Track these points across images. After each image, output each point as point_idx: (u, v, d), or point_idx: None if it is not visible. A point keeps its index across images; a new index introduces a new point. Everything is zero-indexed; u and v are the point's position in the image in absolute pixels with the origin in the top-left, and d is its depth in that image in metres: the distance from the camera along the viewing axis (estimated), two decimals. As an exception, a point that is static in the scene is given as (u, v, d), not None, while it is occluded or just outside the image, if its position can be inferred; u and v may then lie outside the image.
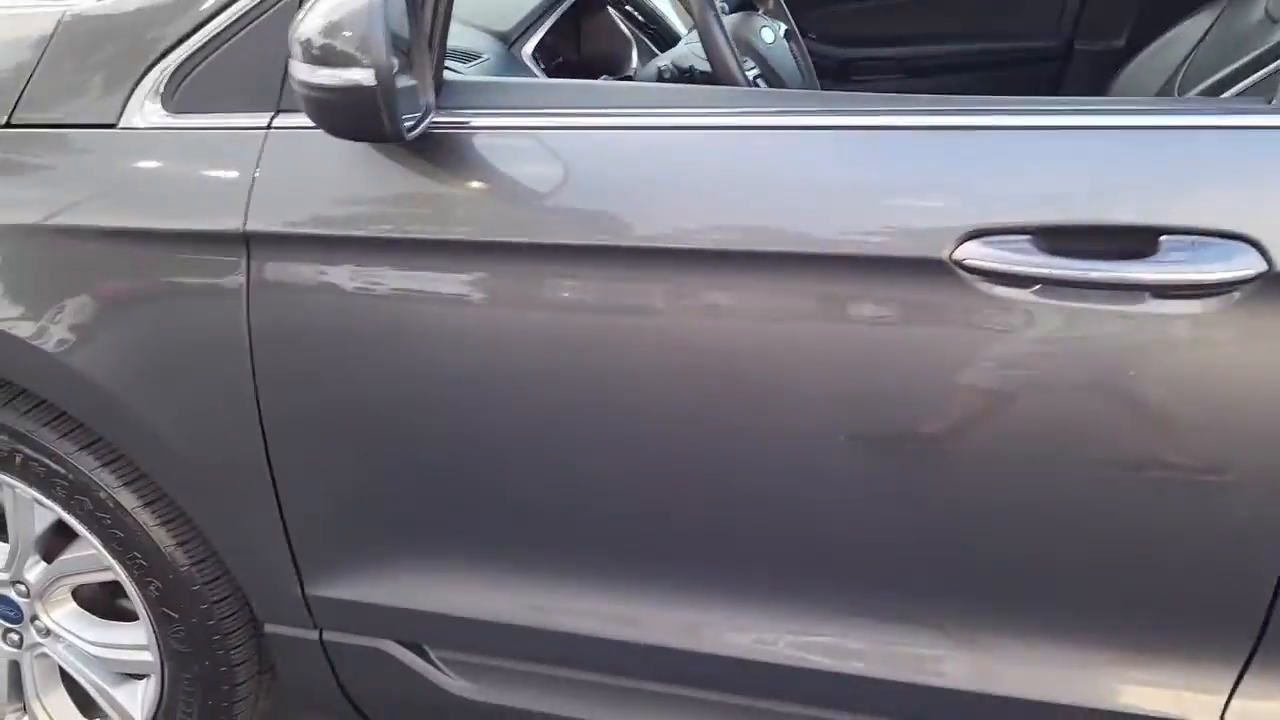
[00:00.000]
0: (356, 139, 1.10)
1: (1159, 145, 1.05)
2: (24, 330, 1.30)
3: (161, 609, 1.48)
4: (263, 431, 1.29)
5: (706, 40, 1.37)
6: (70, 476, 1.41)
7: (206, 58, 1.24)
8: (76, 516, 1.45)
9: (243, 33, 1.22)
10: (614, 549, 1.29)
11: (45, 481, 1.43)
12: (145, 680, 1.60)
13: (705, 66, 1.43)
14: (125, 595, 1.61)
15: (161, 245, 1.25)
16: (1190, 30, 1.94)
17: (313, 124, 1.16)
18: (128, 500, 1.42)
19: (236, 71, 1.23)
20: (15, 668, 1.66)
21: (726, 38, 1.36)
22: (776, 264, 1.07)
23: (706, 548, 1.24)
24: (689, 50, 1.50)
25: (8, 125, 1.30)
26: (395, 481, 1.31)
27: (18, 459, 1.42)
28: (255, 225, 1.21)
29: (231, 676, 1.54)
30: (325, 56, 1.00)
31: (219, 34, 1.23)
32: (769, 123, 1.10)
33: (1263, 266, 0.97)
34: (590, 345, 1.15)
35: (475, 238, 1.14)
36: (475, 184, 1.14)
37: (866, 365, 1.07)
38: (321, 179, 1.20)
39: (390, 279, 1.20)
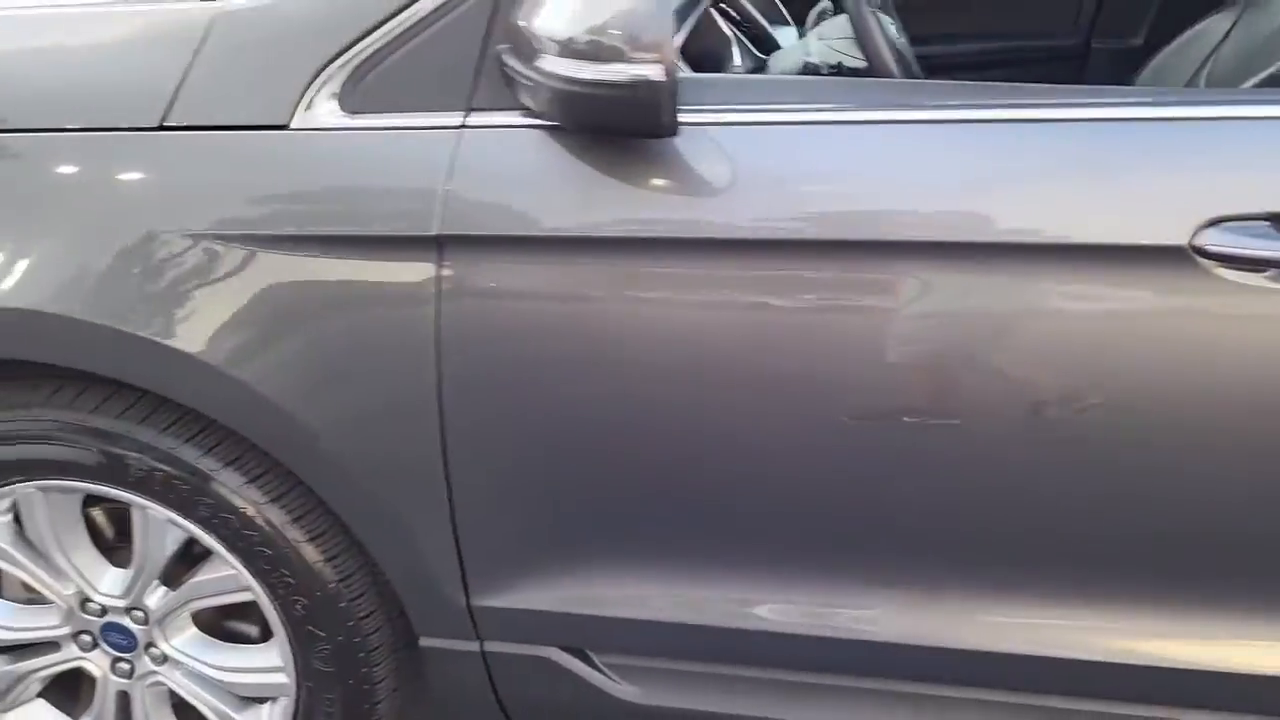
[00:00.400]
0: (618, 134, 1.08)
1: None
2: (183, 342, 1.24)
3: (307, 628, 1.43)
4: (443, 439, 1.26)
5: (864, 36, 1.38)
6: (214, 494, 1.36)
7: (389, 55, 1.20)
8: (218, 536, 1.39)
9: (431, 29, 1.18)
10: (793, 545, 1.29)
11: (186, 501, 1.37)
12: (271, 704, 1.54)
13: (853, 62, 1.45)
14: (238, 618, 1.56)
15: (342, 251, 1.21)
16: (1212, 28, 2.02)
17: (515, 122, 1.15)
18: (276, 517, 1.37)
19: (423, 69, 1.19)
20: (123, 698, 1.58)
21: (884, 32, 1.38)
22: (1015, 254, 1.09)
23: (894, 543, 1.25)
24: (825, 46, 1.51)
25: (161, 128, 1.24)
26: (574, 486, 1.29)
27: (157, 478, 1.36)
28: (449, 228, 1.17)
29: (372, 695, 1.49)
30: (596, 52, 0.99)
31: (404, 31, 1.19)
32: (998, 116, 1.13)
33: None
34: (809, 343, 1.15)
35: (702, 234, 1.13)
36: (709, 179, 1.13)
37: (1107, 353, 1.10)
38: (523, 179, 1.18)
39: (596, 279, 1.18)
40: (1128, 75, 2.23)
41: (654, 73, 0.97)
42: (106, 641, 1.53)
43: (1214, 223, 1.05)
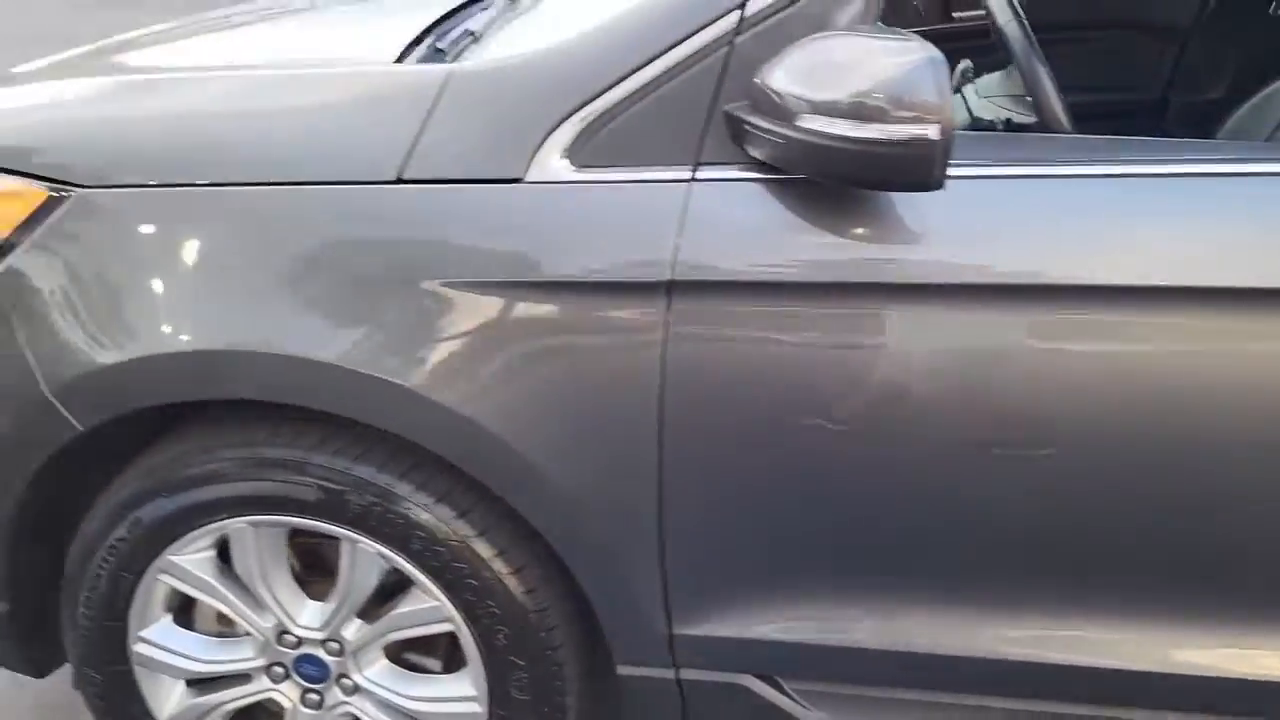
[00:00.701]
0: (882, 188, 1.16)
1: None
2: (417, 382, 1.31)
3: (508, 657, 1.48)
4: (660, 474, 1.33)
5: (1036, 91, 1.47)
6: (426, 529, 1.42)
7: (620, 114, 1.28)
8: (426, 569, 1.45)
9: (661, 90, 1.27)
10: (995, 575, 1.36)
11: (398, 536, 1.43)
12: (456, 733, 1.59)
13: (1021, 117, 1.54)
14: (418, 650, 1.61)
15: (572, 295, 1.29)
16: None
17: (742, 175, 1.23)
18: (483, 550, 1.43)
19: (652, 127, 1.28)
20: (313, 731, 1.63)
21: (1055, 86, 1.47)
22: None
23: (1106, 572, 1.32)
24: (989, 103, 1.60)
25: (399, 181, 1.32)
26: (781, 520, 1.36)
27: (373, 513, 1.42)
28: (681, 274, 1.25)
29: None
30: (865, 112, 1.07)
31: (634, 92, 1.28)
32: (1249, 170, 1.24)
33: None
34: (1036, 384, 1.24)
35: (935, 280, 1.21)
36: (948, 229, 1.22)
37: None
38: (752, 228, 1.26)
39: (820, 322, 1.26)
40: (1207, 129, 2.33)
41: (931, 132, 1.05)
42: (299, 673, 1.59)
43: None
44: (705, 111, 1.26)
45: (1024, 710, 1.43)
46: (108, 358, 1.38)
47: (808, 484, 1.33)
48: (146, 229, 1.39)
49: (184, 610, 1.61)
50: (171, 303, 1.37)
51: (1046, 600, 1.35)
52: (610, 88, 1.28)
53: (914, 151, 1.07)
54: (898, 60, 1.08)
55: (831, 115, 1.10)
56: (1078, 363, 1.24)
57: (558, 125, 1.29)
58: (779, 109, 1.15)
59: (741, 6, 1.25)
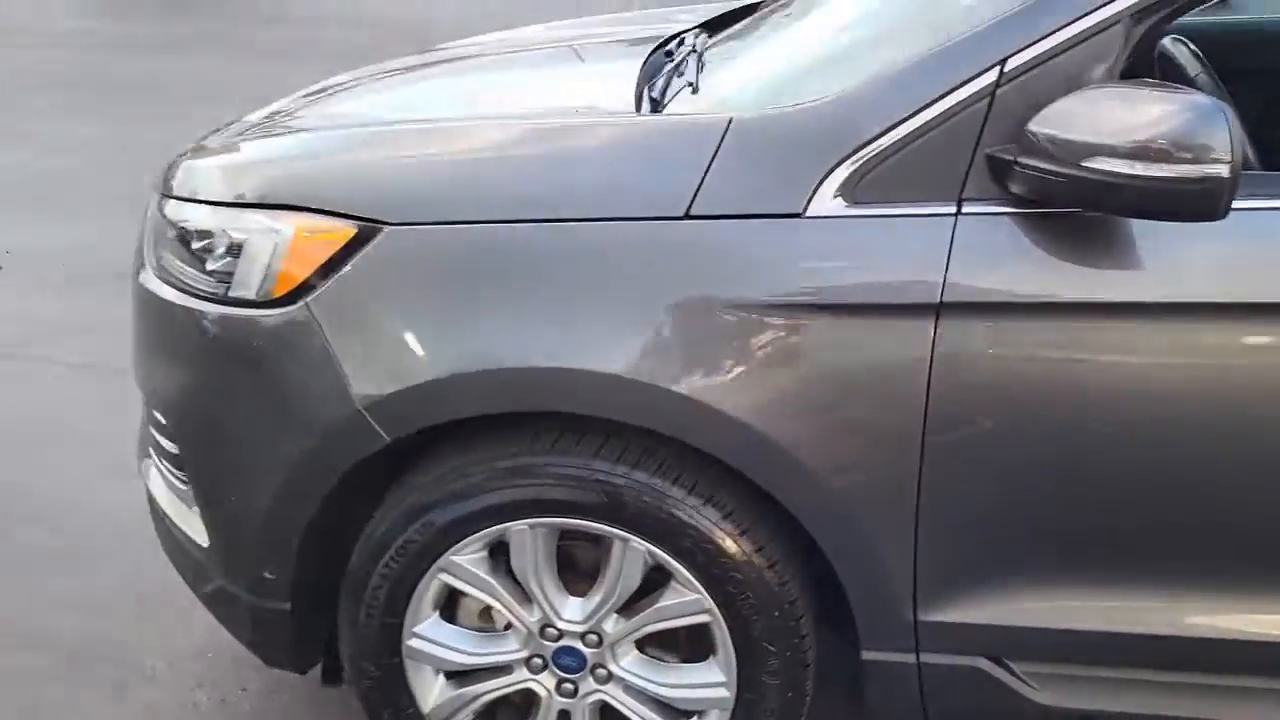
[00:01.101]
0: (1168, 219, 1.33)
1: None
2: (708, 395, 1.48)
3: (762, 644, 1.64)
4: (920, 473, 1.50)
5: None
6: (695, 529, 1.58)
7: (890, 157, 1.46)
8: (691, 566, 1.61)
9: (927, 136, 1.45)
10: (1220, 561, 1.53)
11: (669, 535, 1.59)
12: (698, 717, 1.74)
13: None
14: (657, 642, 1.77)
15: (848, 317, 1.46)
16: None
17: (1002, 210, 1.41)
18: (746, 547, 1.59)
19: (919, 168, 1.45)
20: (563, 716, 1.78)
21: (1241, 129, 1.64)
22: None
23: None
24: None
25: (687, 217, 1.50)
26: (1026, 514, 1.53)
27: (649, 514, 1.58)
28: (949, 297, 1.43)
29: (800, 705, 1.70)
30: (1154, 154, 1.25)
31: (903, 138, 1.45)
32: None
33: None
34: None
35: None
36: (1193, 255, 1.40)
37: None
38: (1015, 255, 1.43)
39: (1078, 339, 1.43)
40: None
41: (1224, 171, 1.23)
42: (557, 664, 1.74)
43: None
44: (969, 154, 1.44)
45: (1248, 687, 1.59)
46: (422, 375, 1.54)
47: (1054, 484, 1.49)
48: (456, 260, 1.56)
49: (448, 607, 1.76)
50: (482, 326, 1.54)
51: (1275, 584, 1.51)
52: (881, 135, 1.46)
53: (1206, 188, 1.25)
54: (1182, 109, 1.26)
55: (1114, 157, 1.28)
56: None
57: (835, 168, 1.47)
58: (1060, 151, 1.32)
59: (1002, 64, 1.43)
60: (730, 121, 1.53)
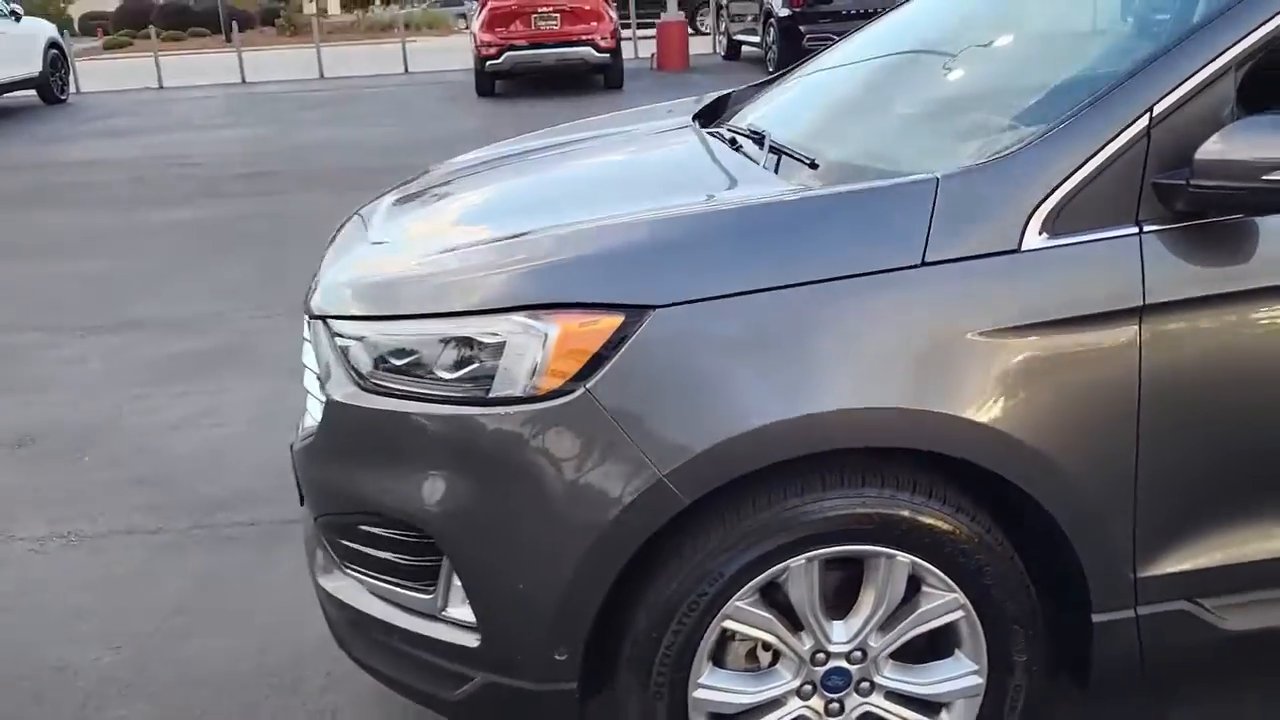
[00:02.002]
0: None
1: None
2: (970, 413, 1.73)
3: (1012, 626, 1.88)
4: (1136, 455, 1.80)
5: None
6: (953, 536, 1.81)
7: (1076, 195, 1.77)
8: (948, 570, 1.83)
9: (1103, 174, 1.77)
10: None
11: (929, 545, 1.81)
12: (947, 709, 1.95)
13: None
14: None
15: (1072, 329, 1.75)
16: None
17: (1176, 225, 1.75)
18: (992, 542, 1.84)
19: (1100, 201, 1.77)
20: (831, 735, 1.94)
21: None
22: None
23: None
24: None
25: (923, 264, 1.75)
26: (1222, 474, 1.85)
27: (913, 531, 1.79)
28: (1150, 299, 1.75)
29: (1037, 677, 1.94)
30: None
31: (1085, 177, 1.77)
32: None
33: None
34: None
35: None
36: None
37: None
38: (1193, 258, 1.77)
39: (1257, 318, 1.78)
40: None
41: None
42: (824, 686, 1.91)
43: None
44: (1139, 184, 1.77)
45: None
46: (718, 436, 1.70)
47: (1245, 445, 1.83)
48: (723, 330, 1.74)
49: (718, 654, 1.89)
50: (763, 384, 1.72)
51: None
52: (1068, 178, 1.77)
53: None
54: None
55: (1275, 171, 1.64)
56: None
57: (1037, 207, 1.77)
58: (1238, 170, 1.67)
59: (1150, 110, 1.78)
60: (938, 180, 1.80)
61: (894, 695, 1.94)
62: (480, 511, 1.81)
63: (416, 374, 1.85)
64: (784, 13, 14.31)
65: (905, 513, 1.79)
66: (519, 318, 1.77)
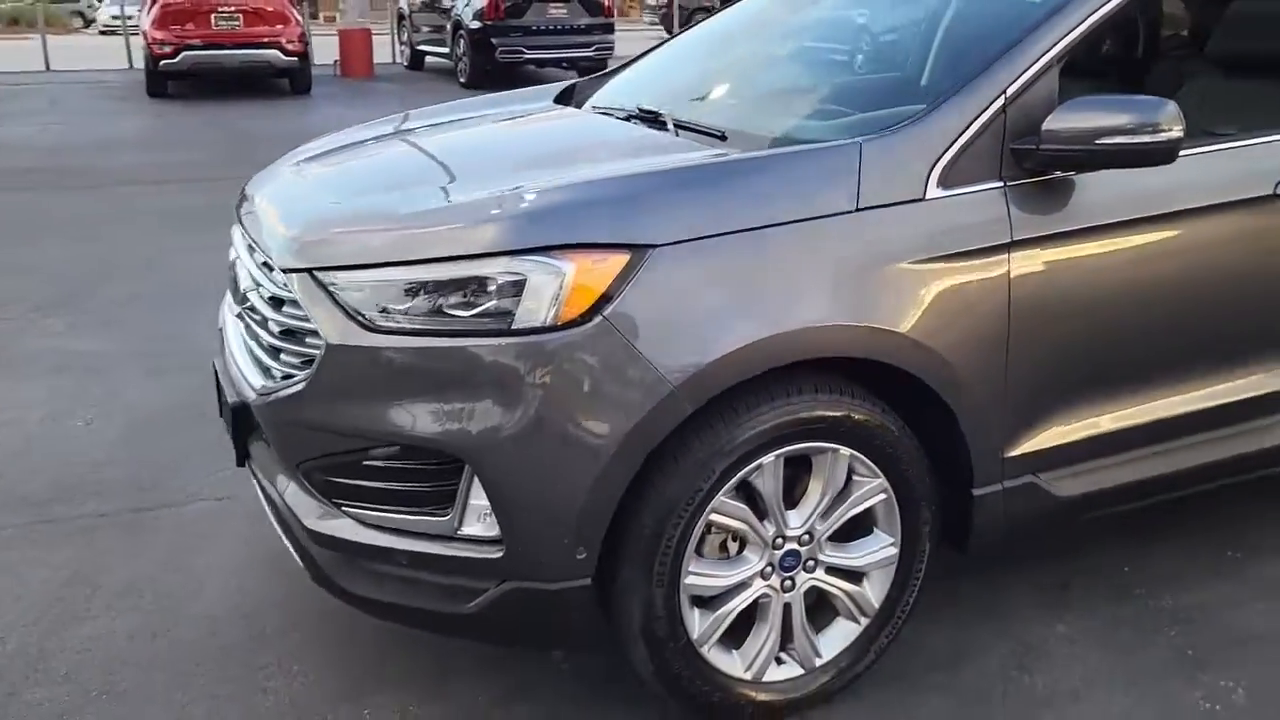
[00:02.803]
0: (1145, 165, 2.25)
1: None
2: (898, 325, 2.17)
3: (919, 503, 2.34)
4: (1007, 353, 2.31)
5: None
6: (883, 432, 2.24)
7: (960, 156, 2.26)
8: (877, 459, 2.27)
9: (977, 141, 2.27)
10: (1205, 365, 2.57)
11: (864, 440, 2.23)
12: (866, 578, 2.38)
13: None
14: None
15: (962, 260, 2.24)
16: None
17: (1028, 180, 2.30)
18: (906, 439, 2.29)
19: (977, 161, 2.27)
20: (785, 609, 2.31)
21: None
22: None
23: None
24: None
25: (857, 210, 2.17)
26: (1070, 371, 2.41)
27: (856, 429, 2.20)
28: (1017, 235, 2.27)
29: (936, 542, 2.42)
30: (1144, 129, 2.19)
31: (965, 144, 2.26)
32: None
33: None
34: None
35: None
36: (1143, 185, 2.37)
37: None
38: (1051, 204, 2.31)
39: (1094, 249, 2.36)
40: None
41: (1179, 133, 2.20)
42: (781, 566, 2.28)
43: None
44: (1000, 148, 2.29)
45: (1191, 443, 2.63)
46: (717, 352, 2.03)
47: (1087, 347, 2.40)
48: (713, 264, 2.07)
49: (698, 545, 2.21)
50: (752, 306, 2.07)
51: (1195, 381, 2.57)
52: (953, 143, 2.26)
53: (1168, 146, 2.22)
54: (1150, 104, 2.22)
55: (1116, 135, 2.21)
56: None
57: (933, 166, 2.24)
58: (1078, 136, 2.22)
59: (1005, 92, 2.30)
60: (861, 145, 2.23)
61: (832, 569, 2.34)
62: (509, 431, 2.02)
63: (429, 313, 2.04)
64: (475, 25, 14.60)
65: (848, 413, 2.21)
66: (538, 258, 2.02)
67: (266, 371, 2.36)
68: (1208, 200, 2.50)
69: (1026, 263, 2.31)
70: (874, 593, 2.39)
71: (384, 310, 2.07)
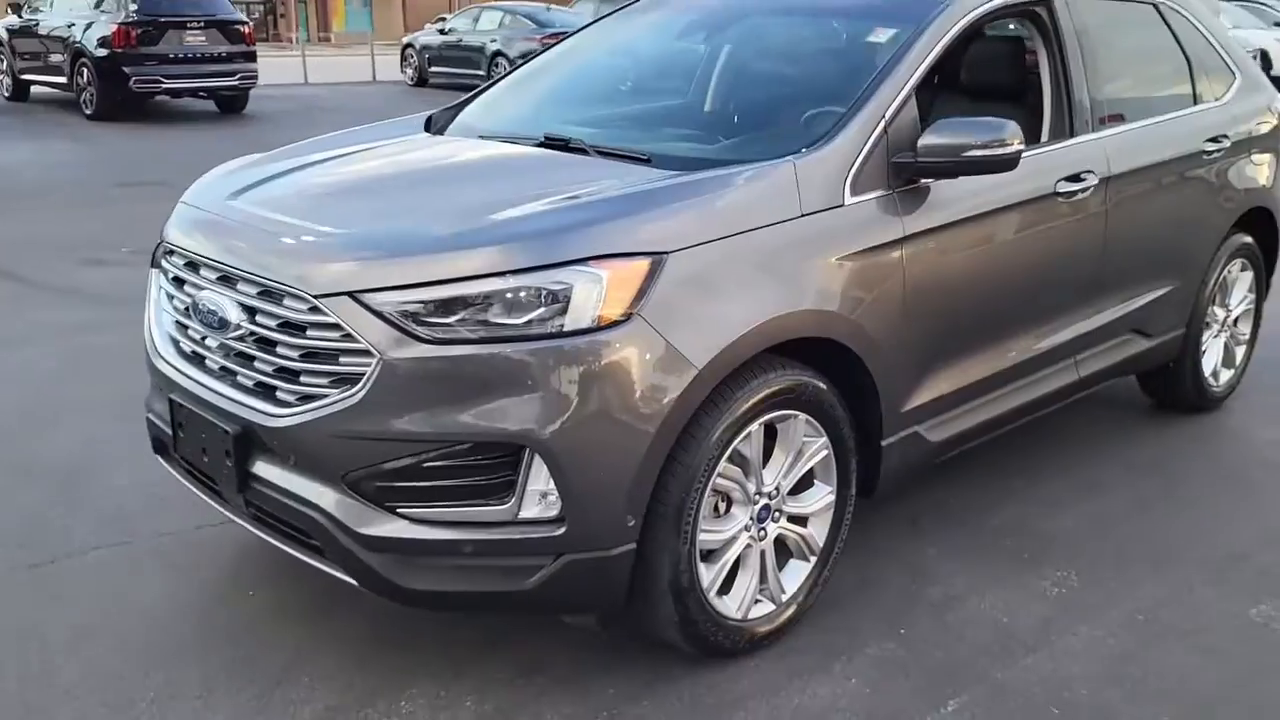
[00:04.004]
0: (994, 172, 2.87)
1: None
2: (840, 308, 2.66)
3: (849, 457, 2.84)
4: (906, 317, 2.87)
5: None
6: (829, 400, 2.72)
7: (862, 170, 2.79)
8: (822, 421, 2.74)
9: (871, 157, 2.81)
10: (1017, 327, 3.25)
11: (816, 407, 2.70)
12: (815, 519, 2.84)
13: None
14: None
15: (874, 253, 2.78)
16: None
17: (911, 188, 2.89)
18: (838, 403, 2.78)
19: (872, 173, 2.81)
20: (761, 556, 2.71)
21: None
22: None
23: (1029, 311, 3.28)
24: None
25: (802, 216, 2.64)
26: (949, 335, 3.02)
27: (813, 399, 2.66)
28: (908, 230, 2.84)
29: (852, 494, 2.93)
30: (995, 145, 2.82)
31: (863, 159, 2.80)
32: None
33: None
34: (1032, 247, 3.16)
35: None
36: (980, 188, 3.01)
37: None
38: (929, 205, 2.89)
39: (970, 235, 2.98)
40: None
41: (1019, 147, 2.84)
42: (757, 519, 2.68)
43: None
44: (886, 162, 2.85)
45: (1015, 388, 3.32)
46: (730, 336, 2.41)
47: (949, 319, 3.01)
48: (710, 264, 2.45)
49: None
50: (747, 299, 2.47)
51: (1018, 339, 3.26)
52: (857, 157, 2.79)
53: (1013, 156, 2.86)
54: (998, 125, 2.84)
55: (975, 149, 2.82)
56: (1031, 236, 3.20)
57: (845, 177, 2.76)
58: (947, 151, 2.82)
59: (884, 118, 2.87)
60: (794, 164, 2.70)
61: (792, 518, 2.78)
62: (572, 420, 2.27)
63: (478, 323, 2.26)
64: (102, 53, 13.57)
65: (809, 383, 2.66)
66: (579, 268, 2.29)
67: (271, 396, 2.43)
68: (1007, 201, 3.21)
69: (913, 253, 2.88)
70: (819, 534, 2.86)
71: (436, 324, 2.25)
